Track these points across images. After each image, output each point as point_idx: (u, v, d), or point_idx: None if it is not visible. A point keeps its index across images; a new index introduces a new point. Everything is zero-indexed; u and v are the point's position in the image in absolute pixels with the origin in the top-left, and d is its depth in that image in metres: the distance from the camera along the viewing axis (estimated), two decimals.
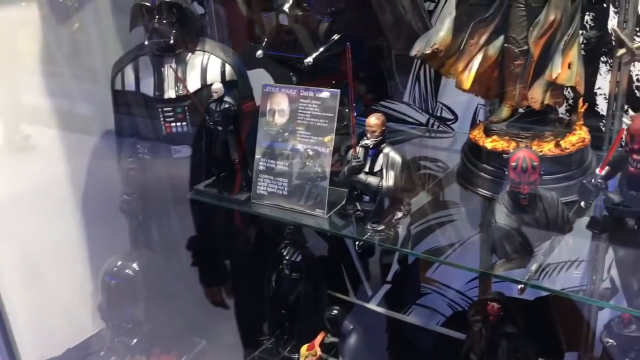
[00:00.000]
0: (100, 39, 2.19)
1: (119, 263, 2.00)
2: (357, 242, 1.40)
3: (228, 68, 1.83)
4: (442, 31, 1.35)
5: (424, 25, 1.59)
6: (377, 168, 1.37)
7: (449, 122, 1.94)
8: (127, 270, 1.98)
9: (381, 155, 1.37)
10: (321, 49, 1.47)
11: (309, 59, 1.45)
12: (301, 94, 1.46)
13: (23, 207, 2.05)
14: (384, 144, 1.37)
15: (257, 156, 1.52)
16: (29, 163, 2.10)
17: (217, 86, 1.52)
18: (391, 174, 1.35)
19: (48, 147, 2.14)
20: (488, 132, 1.47)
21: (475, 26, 1.40)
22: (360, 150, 1.37)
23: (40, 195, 2.09)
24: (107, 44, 2.18)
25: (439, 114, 1.95)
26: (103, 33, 2.19)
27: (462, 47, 1.39)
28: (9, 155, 2.07)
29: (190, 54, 1.82)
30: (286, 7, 1.43)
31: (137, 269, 1.99)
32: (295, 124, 1.47)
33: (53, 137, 2.14)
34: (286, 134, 1.48)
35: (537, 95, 1.38)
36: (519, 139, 1.42)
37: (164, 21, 1.73)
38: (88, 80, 2.18)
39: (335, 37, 1.47)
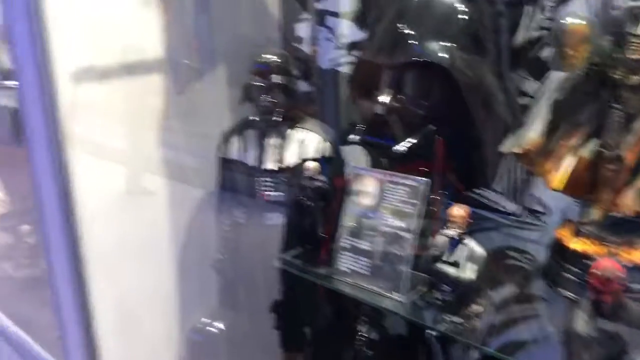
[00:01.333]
0: (215, 104, 2.40)
1: (204, 320, 2.10)
2: (431, 332, 1.41)
3: (325, 145, 1.93)
4: (532, 131, 1.37)
5: (517, 121, 1.62)
6: (457, 259, 1.39)
7: (540, 215, 1.92)
8: (210, 328, 2.08)
9: (462, 247, 1.39)
10: (413, 139, 1.53)
11: (400, 147, 1.52)
12: (389, 179, 1.52)
13: (125, 251, 2.22)
14: (466, 236, 1.39)
15: (342, 233, 1.58)
16: (136, 208, 2.29)
17: (312, 164, 1.62)
18: (470, 266, 1.36)
19: (155, 195, 2.33)
20: (576, 233, 1.45)
21: (569, 128, 1.41)
22: (441, 239, 1.40)
23: (141, 241, 2.27)
24: (221, 110, 2.38)
25: (530, 206, 1.93)
26: (218, 99, 2.39)
27: (553, 148, 1.41)
28: (120, 198, 2.27)
29: (291, 129, 1.94)
30: (383, 98, 1.52)
31: (221, 327, 2.08)
32: (382, 206, 1.53)
33: (161, 187, 2.34)
34: (371, 215, 1.54)
35: (629, 202, 1.36)
36: (607, 244, 1.39)
37: (272, 99, 1.87)
38: (200, 140, 2.36)
39: (428, 128, 1.53)
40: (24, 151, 2.03)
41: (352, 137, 1.61)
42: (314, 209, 1.63)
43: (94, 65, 2.06)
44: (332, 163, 1.92)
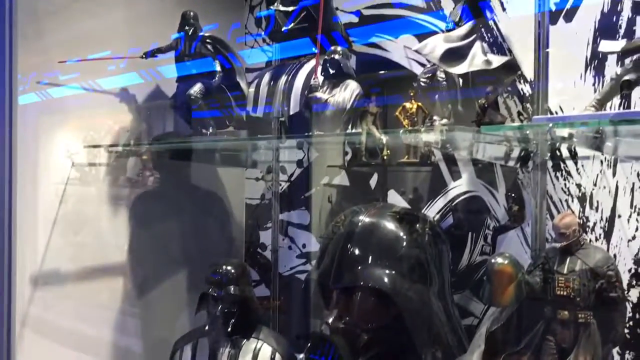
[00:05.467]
0: (174, 309, 2.41)
1: None
2: None
3: (278, 357, 1.93)
4: None
5: (459, 342, 1.66)
6: None
7: None
8: None
9: None
10: None
11: None
12: None
13: None
14: None
15: None
16: None
17: None
18: None
19: None
20: None
21: (507, 358, 1.46)
22: None
23: None
24: (180, 315, 2.38)
25: None
26: (178, 304, 2.41)
27: None
28: None
29: (245, 340, 1.94)
30: (329, 320, 1.57)
31: None
32: None
33: None
34: None
35: None
36: None
37: (226, 310, 1.90)
38: (156, 345, 2.31)
39: (373, 351, 1.57)
40: None
41: (300, 356, 1.62)
42: None
43: (56, 268, 2.11)
44: None
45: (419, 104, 1.85)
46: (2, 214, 1.92)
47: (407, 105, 1.88)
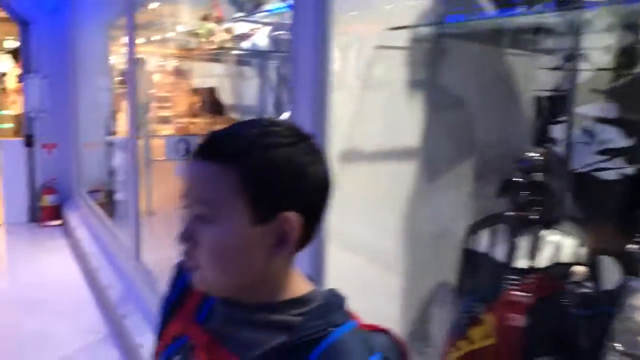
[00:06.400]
0: (462, 196, 2.41)
1: None
2: None
3: (582, 251, 1.83)
4: None
5: None
6: None
7: None
8: None
9: None
10: None
11: None
12: None
13: None
14: None
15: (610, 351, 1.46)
16: (369, 298, 2.29)
17: (580, 269, 1.55)
18: None
19: (389, 287, 2.34)
20: None
21: None
22: None
23: None
24: (467, 202, 2.38)
25: None
26: (466, 191, 2.41)
27: None
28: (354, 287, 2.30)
29: (547, 231, 1.88)
30: None
31: None
32: None
33: (395, 280, 2.35)
34: None
35: None
36: None
37: (530, 198, 1.84)
38: (441, 231, 2.35)
39: None
40: None
41: (630, 246, 1.51)
42: (577, 316, 1.54)
43: (357, 148, 2.21)
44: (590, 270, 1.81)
45: None
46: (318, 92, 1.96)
47: None
